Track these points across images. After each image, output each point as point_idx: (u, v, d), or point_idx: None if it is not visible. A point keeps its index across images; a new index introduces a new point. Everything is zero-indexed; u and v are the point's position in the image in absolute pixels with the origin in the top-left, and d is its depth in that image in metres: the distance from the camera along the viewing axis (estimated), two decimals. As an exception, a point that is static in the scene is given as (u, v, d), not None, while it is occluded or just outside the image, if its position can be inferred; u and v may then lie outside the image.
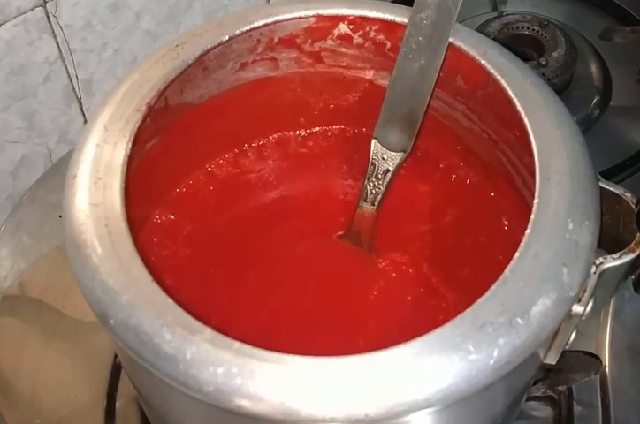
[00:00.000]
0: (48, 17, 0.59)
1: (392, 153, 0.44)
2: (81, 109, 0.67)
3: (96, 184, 0.35)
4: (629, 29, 0.65)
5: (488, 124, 0.42)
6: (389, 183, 0.44)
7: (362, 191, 0.45)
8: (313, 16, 0.42)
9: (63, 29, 0.61)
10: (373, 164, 0.44)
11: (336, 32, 0.43)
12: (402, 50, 0.41)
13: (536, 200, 0.34)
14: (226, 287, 0.44)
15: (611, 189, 0.37)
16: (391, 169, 0.44)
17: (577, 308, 0.33)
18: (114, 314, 0.32)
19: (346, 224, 0.46)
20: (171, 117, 0.42)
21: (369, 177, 0.45)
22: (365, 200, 0.45)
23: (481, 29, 0.62)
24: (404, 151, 0.43)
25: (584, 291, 0.34)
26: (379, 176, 0.44)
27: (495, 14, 0.66)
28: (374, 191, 0.45)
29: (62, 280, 0.52)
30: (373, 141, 0.44)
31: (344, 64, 0.45)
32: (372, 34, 0.43)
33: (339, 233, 0.46)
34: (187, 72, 0.40)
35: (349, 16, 0.42)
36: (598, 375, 0.48)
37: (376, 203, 0.45)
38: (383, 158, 0.44)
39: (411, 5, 0.40)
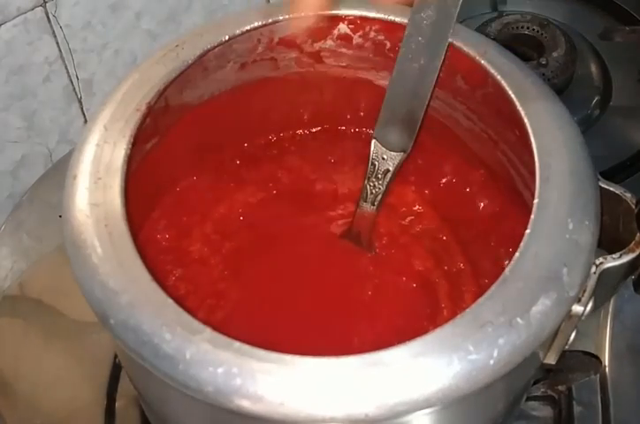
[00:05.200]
0: (48, 17, 0.59)
1: (392, 153, 0.44)
2: (81, 109, 0.67)
3: (96, 184, 0.35)
4: (629, 29, 0.65)
5: (488, 124, 0.42)
6: (389, 183, 0.44)
7: (362, 191, 0.45)
8: (313, 16, 0.42)
9: (63, 29, 0.61)
10: (373, 164, 0.44)
11: (336, 32, 0.43)
12: (402, 50, 0.41)
13: (536, 200, 0.34)
14: (225, 286, 0.44)
15: (611, 189, 0.37)
16: (391, 169, 0.44)
17: (577, 308, 0.33)
18: (114, 314, 0.32)
19: (346, 224, 0.46)
20: (171, 117, 0.42)
21: (369, 177, 0.44)
22: (365, 201, 0.45)
23: (481, 29, 0.62)
24: (404, 151, 0.43)
25: (584, 291, 0.34)
26: (379, 176, 0.44)
27: (495, 14, 0.66)
28: (374, 191, 0.45)
29: (62, 280, 0.51)
30: (373, 141, 0.44)
31: (344, 64, 0.45)
32: (372, 34, 0.43)
33: (340, 233, 0.46)
34: (187, 72, 0.40)
35: (349, 16, 0.42)
36: (598, 375, 0.48)
37: (376, 203, 0.45)
38: (383, 158, 0.44)
39: (411, 5, 0.40)
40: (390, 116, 0.43)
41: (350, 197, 0.47)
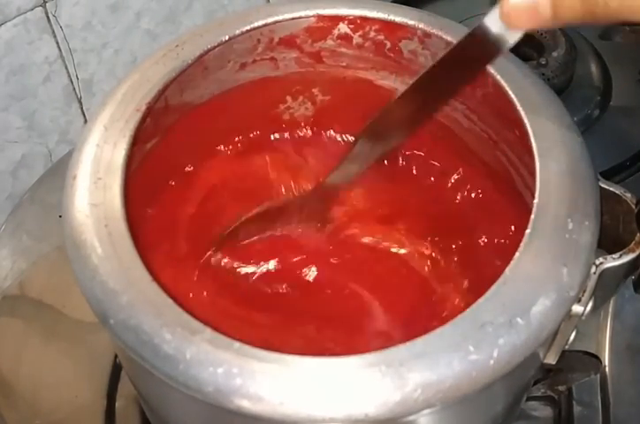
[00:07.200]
0: (48, 17, 0.59)
1: None
2: (81, 109, 0.67)
3: (96, 184, 0.35)
4: (629, 29, 0.65)
5: (488, 124, 0.42)
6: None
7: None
8: (313, 16, 0.42)
9: (63, 29, 0.61)
10: None
11: (336, 32, 0.43)
12: None
13: (536, 200, 0.34)
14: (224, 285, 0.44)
15: (611, 189, 0.37)
16: None
17: (577, 308, 0.33)
18: (114, 314, 0.32)
19: (346, 223, 0.46)
20: (171, 117, 0.42)
21: None
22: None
23: (481, 29, 0.62)
24: None
25: (584, 291, 0.34)
26: None
27: (495, 14, 0.66)
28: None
29: (62, 280, 0.52)
30: None
31: (344, 64, 0.45)
32: (372, 33, 0.43)
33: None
34: (187, 72, 0.40)
35: (349, 16, 0.42)
36: (598, 375, 0.48)
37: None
38: None
39: (411, 5, 0.40)
40: None
41: (349, 196, 0.47)
